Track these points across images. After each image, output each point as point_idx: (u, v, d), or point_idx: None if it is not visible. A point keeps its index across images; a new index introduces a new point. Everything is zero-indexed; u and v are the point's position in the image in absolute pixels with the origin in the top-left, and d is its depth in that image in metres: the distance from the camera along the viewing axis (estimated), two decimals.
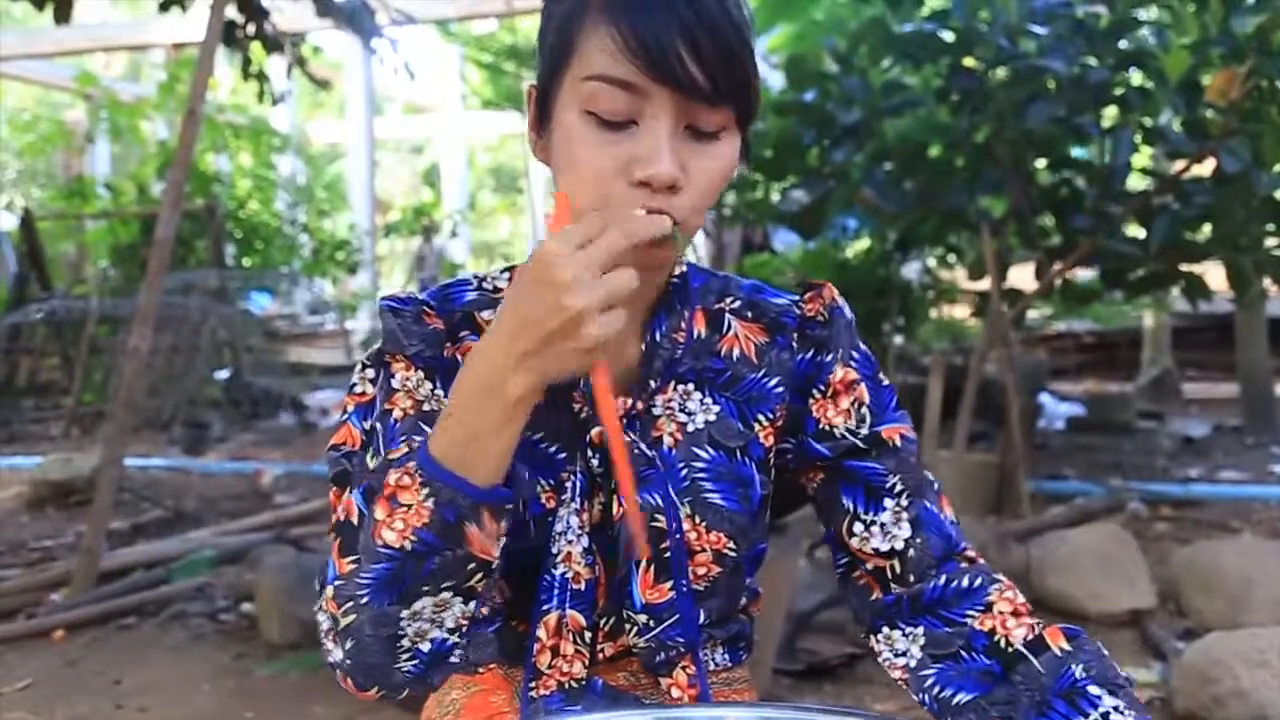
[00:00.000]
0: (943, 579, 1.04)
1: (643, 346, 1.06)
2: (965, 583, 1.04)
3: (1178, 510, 5.59)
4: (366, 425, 1.02)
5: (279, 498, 6.15)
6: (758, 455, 1.09)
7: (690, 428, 1.07)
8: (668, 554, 1.03)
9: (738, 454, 1.08)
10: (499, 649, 1.12)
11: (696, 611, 1.07)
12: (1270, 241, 4.66)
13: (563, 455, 1.05)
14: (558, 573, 1.03)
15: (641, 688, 1.11)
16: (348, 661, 0.92)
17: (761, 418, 1.09)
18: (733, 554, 1.06)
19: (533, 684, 1.07)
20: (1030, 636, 0.99)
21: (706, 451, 1.07)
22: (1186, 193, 4.58)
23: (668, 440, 1.07)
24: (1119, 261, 4.97)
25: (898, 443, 1.09)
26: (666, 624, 1.05)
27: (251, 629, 3.93)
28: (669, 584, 1.04)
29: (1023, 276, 5.97)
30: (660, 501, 1.03)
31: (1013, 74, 4.51)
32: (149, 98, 12.22)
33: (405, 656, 0.92)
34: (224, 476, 6.92)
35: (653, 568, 1.04)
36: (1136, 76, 4.50)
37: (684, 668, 1.09)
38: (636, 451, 1.04)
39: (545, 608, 1.04)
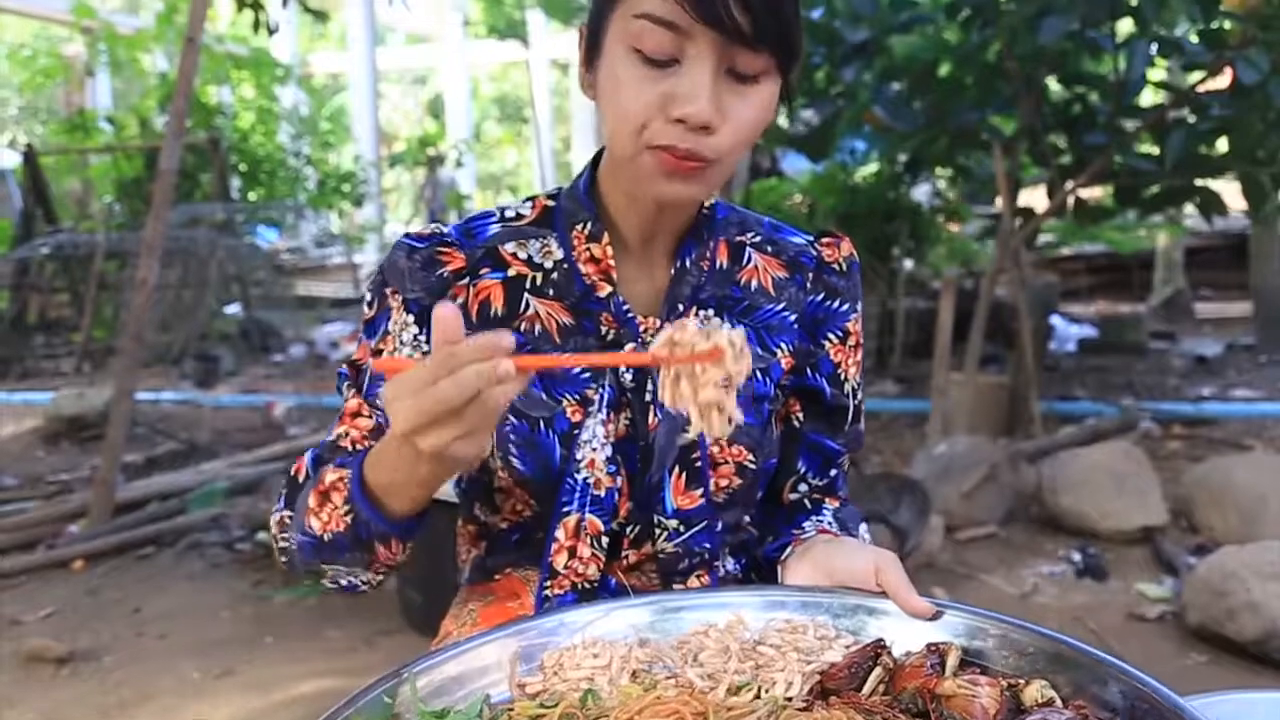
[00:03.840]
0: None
1: (671, 271, 1.11)
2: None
3: (1190, 429, 5.59)
4: (371, 343, 1.11)
5: (291, 429, 6.18)
6: (776, 377, 1.14)
7: None
8: (698, 463, 1.08)
9: (757, 374, 1.13)
10: (519, 557, 1.15)
11: (718, 520, 1.11)
12: None
13: (587, 374, 1.09)
14: (579, 477, 1.07)
15: (654, 590, 1.14)
16: (284, 560, 1.10)
17: (783, 344, 1.15)
18: (753, 466, 1.12)
19: (548, 583, 1.11)
20: (816, 499, 1.22)
21: None
22: (1202, 105, 4.50)
23: None
24: (1133, 178, 4.90)
25: (861, 426, 1.22)
26: (695, 529, 1.09)
27: (267, 557, 3.97)
28: (699, 491, 1.09)
29: (1034, 198, 5.90)
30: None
31: None
32: (147, 29, 12.09)
33: (329, 583, 1.07)
34: (236, 409, 6.94)
35: (684, 474, 1.08)
36: None
37: (698, 575, 1.13)
38: None
39: (565, 510, 1.07)
